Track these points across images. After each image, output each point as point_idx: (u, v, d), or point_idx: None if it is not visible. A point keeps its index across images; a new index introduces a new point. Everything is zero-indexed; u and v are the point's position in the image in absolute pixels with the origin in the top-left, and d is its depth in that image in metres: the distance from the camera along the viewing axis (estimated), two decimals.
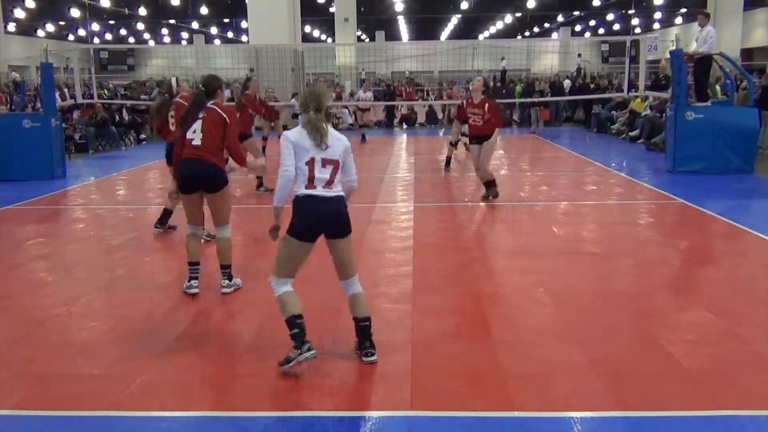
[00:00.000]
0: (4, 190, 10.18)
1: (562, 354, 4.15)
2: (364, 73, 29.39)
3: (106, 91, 21.74)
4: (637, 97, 16.28)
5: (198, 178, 5.18)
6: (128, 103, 18.32)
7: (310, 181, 3.90)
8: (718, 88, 14.85)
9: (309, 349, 3.86)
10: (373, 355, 4.04)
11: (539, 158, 14.36)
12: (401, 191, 10.11)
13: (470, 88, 10.15)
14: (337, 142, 4.00)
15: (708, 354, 4.17)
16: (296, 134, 3.95)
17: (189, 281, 5.36)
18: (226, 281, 5.44)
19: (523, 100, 20.48)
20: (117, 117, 17.13)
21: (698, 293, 5.51)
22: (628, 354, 4.18)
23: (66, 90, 17.90)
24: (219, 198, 5.27)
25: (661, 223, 8.16)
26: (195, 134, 5.16)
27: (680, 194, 9.20)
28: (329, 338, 4.40)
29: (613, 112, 18.43)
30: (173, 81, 6.04)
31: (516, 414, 3.45)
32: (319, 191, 3.91)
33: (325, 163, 3.92)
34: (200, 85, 5.33)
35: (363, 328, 4.09)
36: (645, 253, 6.58)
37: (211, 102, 5.25)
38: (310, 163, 3.90)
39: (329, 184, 3.93)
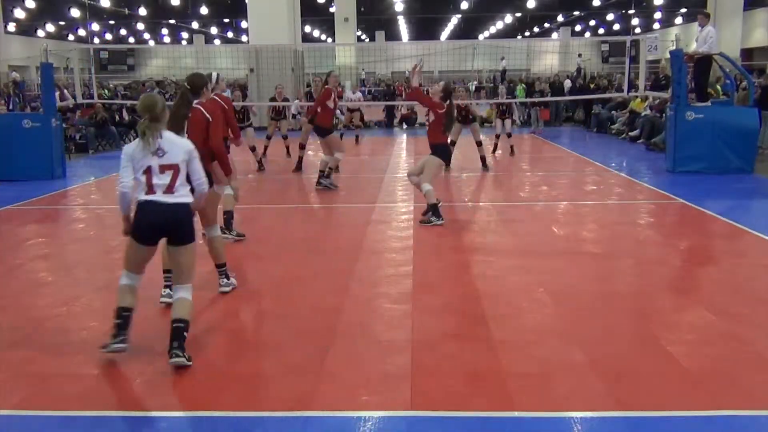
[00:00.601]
0: (4, 190, 10.18)
1: (562, 354, 4.15)
2: (364, 73, 29.39)
3: (106, 91, 21.74)
4: (637, 97, 16.28)
5: None
6: (128, 103, 18.31)
7: (150, 188, 3.98)
8: (719, 87, 14.84)
9: (121, 342, 4.01)
10: (179, 356, 3.90)
11: (539, 158, 14.36)
12: (401, 191, 10.10)
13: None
14: (176, 147, 4.06)
15: (708, 354, 4.17)
16: (132, 147, 4.07)
17: (164, 289, 5.01)
18: (224, 280, 5.41)
19: (522, 99, 20.48)
20: (117, 117, 17.13)
21: (698, 293, 5.51)
22: (628, 354, 4.18)
23: (66, 90, 17.90)
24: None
25: (661, 223, 8.16)
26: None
27: (680, 194, 9.20)
28: (326, 339, 4.40)
29: (613, 112, 18.43)
30: (214, 76, 6.09)
31: (516, 414, 3.45)
32: (159, 197, 3.98)
33: (163, 169, 3.99)
34: (185, 84, 5.24)
35: (174, 329, 3.98)
36: (645, 253, 6.58)
37: (196, 101, 5.18)
38: (147, 171, 3.98)
39: (170, 189, 4.00)
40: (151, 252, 4.13)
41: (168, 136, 4.06)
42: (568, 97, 21.18)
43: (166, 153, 3.99)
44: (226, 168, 5.35)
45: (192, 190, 4.17)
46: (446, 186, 10.66)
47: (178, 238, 4.06)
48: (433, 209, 7.69)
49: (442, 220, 7.66)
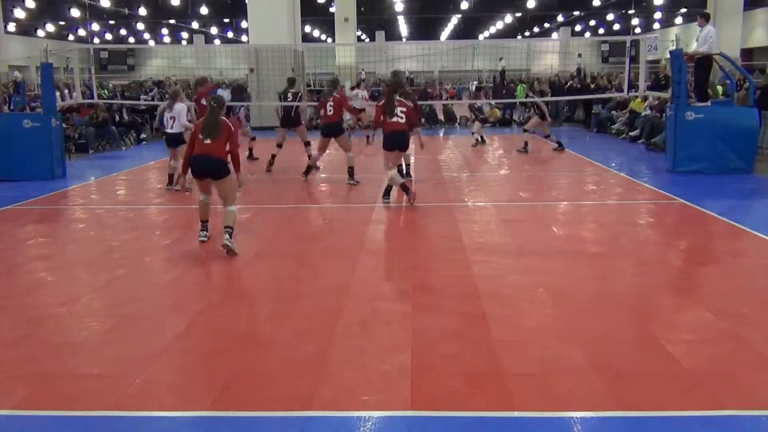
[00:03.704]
0: (4, 190, 10.17)
1: (562, 354, 4.15)
2: (363, 73, 29.36)
3: (105, 92, 21.71)
4: (637, 97, 16.28)
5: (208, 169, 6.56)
6: (127, 102, 18.31)
7: None
8: (719, 88, 14.82)
9: None
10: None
11: (539, 158, 14.36)
12: (401, 191, 10.08)
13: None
14: None
15: (708, 354, 4.17)
16: None
17: (201, 232, 6.92)
18: (227, 236, 6.44)
19: (523, 99, 20.47)
20: (117, 117, 17.13)
21: (698, 293, 5.51)
22: (628, 354, 4.18)
23: (66, 91, 17.88)
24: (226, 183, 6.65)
25: (661, 223, 8.16)
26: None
27: (680, 194, 9.19)
28: (326, 339, 4.41)
29: (613, 112, 18.42)
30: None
31: (516, 414, 3.45)
32: None
33: None
34: (213, 102, 6.65)
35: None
36: (645, 253, 6.58)
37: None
38: None
39: None
40: None
41: None
42: (567, 97, 21.18)
43: None
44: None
45: None
46: (446, 185, 10.66)
47: None
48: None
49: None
